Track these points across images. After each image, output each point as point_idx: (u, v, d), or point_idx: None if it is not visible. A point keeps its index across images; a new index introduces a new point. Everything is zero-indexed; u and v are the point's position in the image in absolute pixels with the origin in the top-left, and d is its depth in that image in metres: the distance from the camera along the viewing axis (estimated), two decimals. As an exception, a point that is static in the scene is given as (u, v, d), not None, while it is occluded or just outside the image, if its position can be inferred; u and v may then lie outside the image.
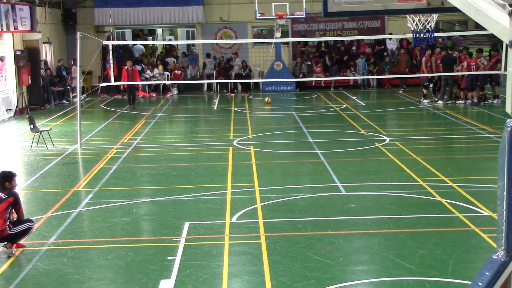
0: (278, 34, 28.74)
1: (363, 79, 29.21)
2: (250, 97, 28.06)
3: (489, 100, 22.95)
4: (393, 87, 28.99)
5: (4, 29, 22.20)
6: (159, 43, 34.64)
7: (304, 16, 28.73)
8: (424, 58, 24.52)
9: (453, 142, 17.18)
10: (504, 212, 3.48)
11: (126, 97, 28.08)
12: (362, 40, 31.00)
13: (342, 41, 31.26)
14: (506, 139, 3.41)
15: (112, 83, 20.26)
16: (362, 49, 30.89)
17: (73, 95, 26.94)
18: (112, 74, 19.95)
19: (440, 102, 23.44)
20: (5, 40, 23.68)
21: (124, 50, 31.90)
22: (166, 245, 9.21)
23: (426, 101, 23.91)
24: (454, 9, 4.67)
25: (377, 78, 29.12)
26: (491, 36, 17.36)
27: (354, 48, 31.21)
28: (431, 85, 24.69)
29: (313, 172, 13.65)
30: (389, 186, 12.10)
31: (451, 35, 28.44)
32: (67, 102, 26.73)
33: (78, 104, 17.42)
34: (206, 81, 29.70)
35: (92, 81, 30.07)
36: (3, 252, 8.86)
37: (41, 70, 25.45)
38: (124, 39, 33.73)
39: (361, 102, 24.85)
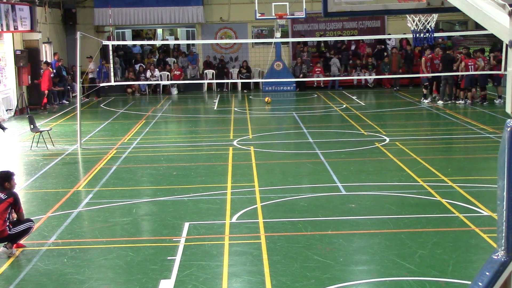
0: (278, 34, 28.76)
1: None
2: (250, 97, 28.08)
3: (495, 101, 22.95)
4: (392, 87, 29.00)
5: (4, 29, 22.20)
6: (159, 43, 34.65)
7: (304, 16, 28.75)
8: (423, 58, 24.55)
9: (453, 142, 17.18)
10: (504, 212, 3.48)
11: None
12: (363, 40, 31.01)
13: (342, 41, 31.28)
14: (506, 139, 3.42)
15: (112, 83, 20.25)
16: (362, 49, 30.91)
17: (73, 95, 26.94)
18: (112, 73, 19.96)
19: (440, 102, 23.45)
20: (5, 40, 23.68)
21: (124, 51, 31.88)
22: (166, 245, 9.21)
23: (426, 101, 23.93)
24: (454, 9, 4.67)
25: (376, 78, 29.22)
26: (491, 36, 17.36)
27: (353, 48, 31.22)
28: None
29: (313, 172, 13.65)
30: (389, 186, 12.10)
31: (451, 35, 28.45)
32: (67, 102, 26.73)
33: (78, 104, 17.43)
34: (206, 81, 29.73)
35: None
36: (3, 252, 8.86)
37: (41, 70, 25.42)
38: (124, 39, 33.75)
39: (361, 102, 24.86)
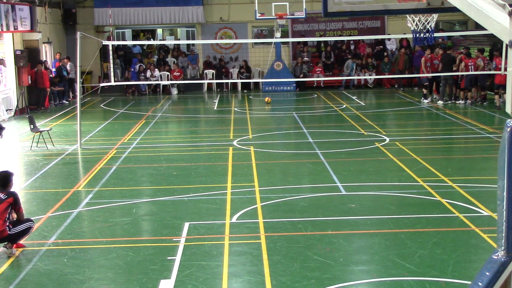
0: (278, 34, 28.76)
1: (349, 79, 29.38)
2: (250, 97, 28.08)
3: (495, 101, 22.92)
4: (393, 87, 29.03)
5: (4, 29, 22.20)
6: (159, 43, 34.64)
7: (304, 16, 28.74)
8: (423, 58, 24.55)
9: (453, 142, 17.18)
10: (504, 212, 3.48)
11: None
12: (363, 40, 31.00)
13: (342, 41, 31.27)
14: (506, 139, 3.42)
15: (112, 83, 20.24)
16: (362, 49, 30.89)
17: (73, 94, 26.96)
18: (112, 73, 19.95)
19: (440, 102, 23.45)
20: (5, 40, 23.67)
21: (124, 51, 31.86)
22: (166, 245, 9.21)
23: (426, 101, 23.93)
24: (454, 9, 4.67)
25: (377, 78, 29.23)
26: (491, 36, 17.35)
27: (352, 48, 31.19)
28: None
29: (313, 172, 13.65)
30: (389, 186, 12.10)
31: (451, 35, 28.44)
32: (67, 102, 26.73)
33: (78, 104, 17.42)
34: (206, 81, 29.73)
35: (92, 81, 30.08)
36: (3, 252, 8.86)
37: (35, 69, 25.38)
38: (124, 39, 33.74)
39: (361, 102, 24.86)
